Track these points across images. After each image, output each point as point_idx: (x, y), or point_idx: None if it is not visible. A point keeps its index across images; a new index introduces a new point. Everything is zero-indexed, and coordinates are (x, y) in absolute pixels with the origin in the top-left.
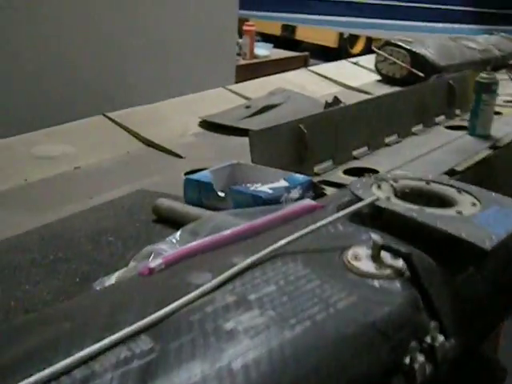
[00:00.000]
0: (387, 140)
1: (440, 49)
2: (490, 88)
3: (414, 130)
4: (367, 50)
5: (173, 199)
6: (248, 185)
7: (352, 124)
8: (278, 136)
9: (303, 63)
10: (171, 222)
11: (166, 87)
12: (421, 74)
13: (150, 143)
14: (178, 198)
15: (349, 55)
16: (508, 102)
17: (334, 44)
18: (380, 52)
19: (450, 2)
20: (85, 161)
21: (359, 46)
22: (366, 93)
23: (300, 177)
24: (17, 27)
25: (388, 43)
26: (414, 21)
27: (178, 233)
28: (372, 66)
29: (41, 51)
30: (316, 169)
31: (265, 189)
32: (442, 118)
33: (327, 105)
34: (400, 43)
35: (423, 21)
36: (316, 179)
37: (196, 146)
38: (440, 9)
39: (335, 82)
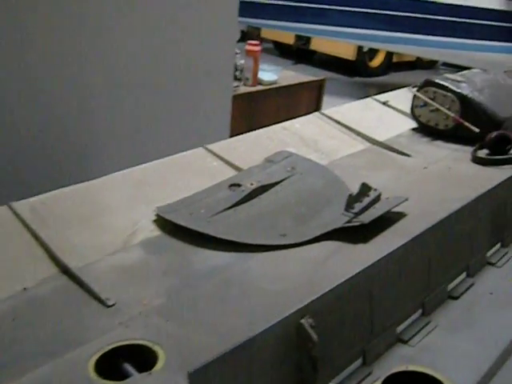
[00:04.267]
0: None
1: (499, 93)
2: None
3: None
4: (387, 64)
5: None
6: None
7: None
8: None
9: (318, 90)
10: None
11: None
12: (475, 130)
13: (64, 268)
14: None
15: (367, 68)
16: None
17: (352, 57)
18: (419, 95)
19: (481, 17)
20: None
21: (378, 59)
22: (401, 153)
23: None
24: None
25: (430, 83)
26: (440, 36)
27: None
28: (405, 107)
29: None
30: None
31: None
32: None
33: (352, 199)
34: (447, 84)
35: (450, 36)
36: None
37: (136, 275)
38: (467, 23)
39: (359, 133)
